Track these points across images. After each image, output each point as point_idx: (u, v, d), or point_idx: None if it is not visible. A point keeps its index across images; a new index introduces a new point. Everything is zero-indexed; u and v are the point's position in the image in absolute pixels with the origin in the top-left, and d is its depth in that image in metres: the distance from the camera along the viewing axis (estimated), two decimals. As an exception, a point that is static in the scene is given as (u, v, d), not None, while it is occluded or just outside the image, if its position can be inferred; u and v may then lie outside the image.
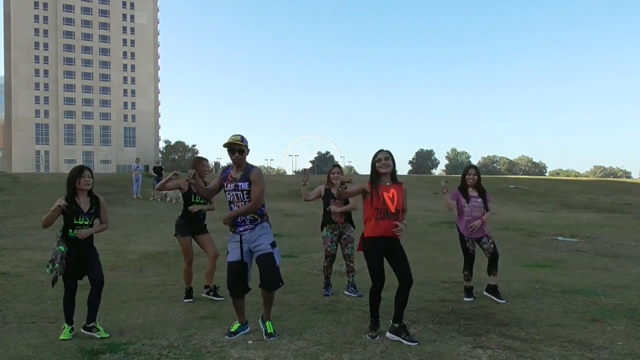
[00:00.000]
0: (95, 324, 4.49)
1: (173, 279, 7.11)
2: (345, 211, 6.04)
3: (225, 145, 4.39)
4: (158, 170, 22.50)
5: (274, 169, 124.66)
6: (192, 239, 5.85)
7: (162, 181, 5.65)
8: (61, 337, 4.38)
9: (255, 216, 4.42)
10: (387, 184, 4.43)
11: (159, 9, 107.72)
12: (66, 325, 4.47)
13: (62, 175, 32.46)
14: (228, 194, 4.45)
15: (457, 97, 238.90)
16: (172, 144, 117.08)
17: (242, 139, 4.43)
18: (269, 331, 4.41)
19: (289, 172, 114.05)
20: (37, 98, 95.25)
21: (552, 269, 8.04)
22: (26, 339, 4.40)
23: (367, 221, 4.44)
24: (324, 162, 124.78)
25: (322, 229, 6.26)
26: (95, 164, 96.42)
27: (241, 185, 4.39)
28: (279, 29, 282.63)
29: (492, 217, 5.95)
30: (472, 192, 5.88)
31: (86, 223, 4.46)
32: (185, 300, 5.76)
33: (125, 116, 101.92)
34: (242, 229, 4.40)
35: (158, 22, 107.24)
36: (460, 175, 6.15)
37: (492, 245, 5.86)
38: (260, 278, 4.37)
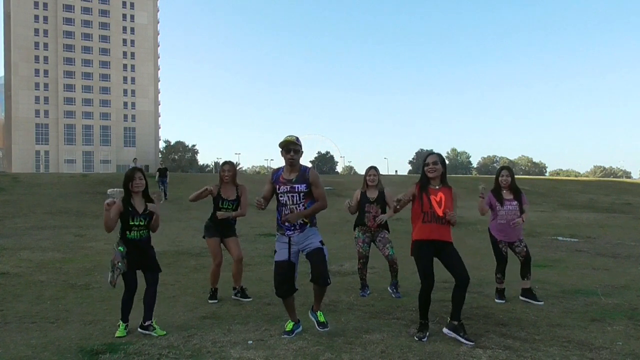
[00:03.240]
0: (152, 322, 4.59)
1: (173, 279, 7.10)
2: (390, 217, 5.85)
3: (280, 145, 4.38)
4: (163, 172, 22.28)
5: (273, 169, 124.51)
6: (221, 242, 5.85)
7: (195, 194, 5.75)
8: (117, 334, 4.44)
9: (306, 220, 4.39)
10: (437, 187, 4.44)
11: (159, 9, 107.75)
12: (121, 322, 4.55)
13: (62, 176, 32.49)
14: (281, 196, 4.40)
15: (457, 97, 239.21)
16: (172, 144, 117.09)
17: (297, 139, 4.42)
18: (321, 320, 4.44)
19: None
20: (37, 98, 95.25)
21: (552, 269, 8.04)
22: (26, 339, 4.40)
23: (414, 224, 4.48)
24: (324, 162, 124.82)
25: (354, 229, 6.23)
26: (95, 164, 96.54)
27: (298, 187, 4.36)
28: (279, 29, 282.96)
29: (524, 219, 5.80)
30: (507, 195, 5.78)
31: (141, 224, 4.60)
32: (210, 301, 5.75)
33: (125, 116, 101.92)
34: (290, 232, 4.37)
35: (158, 22, 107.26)
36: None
37: (525, 249, 5.86)
38: (312, 273, 4.32)
